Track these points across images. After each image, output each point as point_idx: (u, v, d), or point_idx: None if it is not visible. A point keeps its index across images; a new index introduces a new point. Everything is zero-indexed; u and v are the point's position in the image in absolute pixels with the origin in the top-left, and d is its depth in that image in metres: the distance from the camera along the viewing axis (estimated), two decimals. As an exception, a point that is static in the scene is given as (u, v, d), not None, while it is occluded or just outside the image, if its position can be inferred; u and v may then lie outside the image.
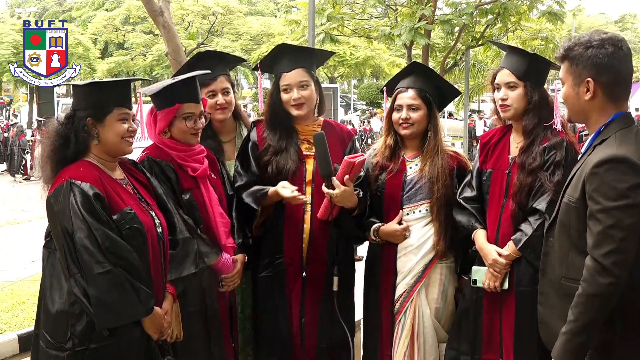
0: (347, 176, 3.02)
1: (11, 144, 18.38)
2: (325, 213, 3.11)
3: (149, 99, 3.09)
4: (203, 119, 2.98)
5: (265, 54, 3.39)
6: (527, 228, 2.86)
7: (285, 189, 3.03)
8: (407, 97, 3.16)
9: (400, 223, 3.14)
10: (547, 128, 2.93)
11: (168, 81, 3.01)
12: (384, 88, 3.36)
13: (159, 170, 2.88)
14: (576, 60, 2.22)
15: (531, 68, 2.97)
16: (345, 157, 3.04)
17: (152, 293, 2.48)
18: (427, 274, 3.14)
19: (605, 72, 2.18)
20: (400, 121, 3.16)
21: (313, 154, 3.17)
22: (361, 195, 3.16)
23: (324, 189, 3.03)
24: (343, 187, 3.01)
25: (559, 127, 2.92)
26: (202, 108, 2.99)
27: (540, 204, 2.83)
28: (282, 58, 3.24)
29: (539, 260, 2.54)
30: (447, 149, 3.24)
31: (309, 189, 3.18)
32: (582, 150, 2.33)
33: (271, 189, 3.08)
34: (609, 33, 2.26)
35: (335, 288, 3.13)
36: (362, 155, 3.16)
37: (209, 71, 3.16)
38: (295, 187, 3.05)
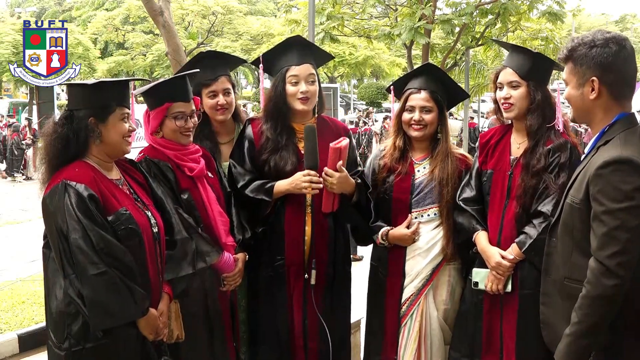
0: (340, 162, 3.01)
1: (9, 144, 18.37)
2: (328, 205, 3.09)
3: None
4: (195, 118, 2.95)
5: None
6: (531, 231, 2.83)
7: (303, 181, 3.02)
8: (420, 98, 3.13)
9: (408, 226, 3.12)
10: (550, 129, 2.91)
11: (158, 81, 3.00)
12: (391, 87, 3.33)
13: (157, 171, 2.87)
14: (580, 60, 2.20)
15: (535, 67, 2.95)
16: (331, 145, 3.01)
17: (147, 294, 2.47)
18: (436, 277, 3.12)
19: (610, 71, 2.17)
20: (412, 122, 3.13)
21: None
22: (359, 182, 3.14)
23: (323, 177, 3.00)
24: (337, 174, 3.00)
25: (561, 127, 2.90)
26: (194, 107, 2.96)
27: (545, 207, 2.80)
28: (292, 50, 3.18)
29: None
30: (455, 151, 3.22)
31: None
32: (586, 151, 2.32)
33: (278, 184, 3.06)
34: (612, 32, 2.24)
35: (312, 282, 3.09)
36: (345, 138, 3.12)
37: (197, 70, 3.11)
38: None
